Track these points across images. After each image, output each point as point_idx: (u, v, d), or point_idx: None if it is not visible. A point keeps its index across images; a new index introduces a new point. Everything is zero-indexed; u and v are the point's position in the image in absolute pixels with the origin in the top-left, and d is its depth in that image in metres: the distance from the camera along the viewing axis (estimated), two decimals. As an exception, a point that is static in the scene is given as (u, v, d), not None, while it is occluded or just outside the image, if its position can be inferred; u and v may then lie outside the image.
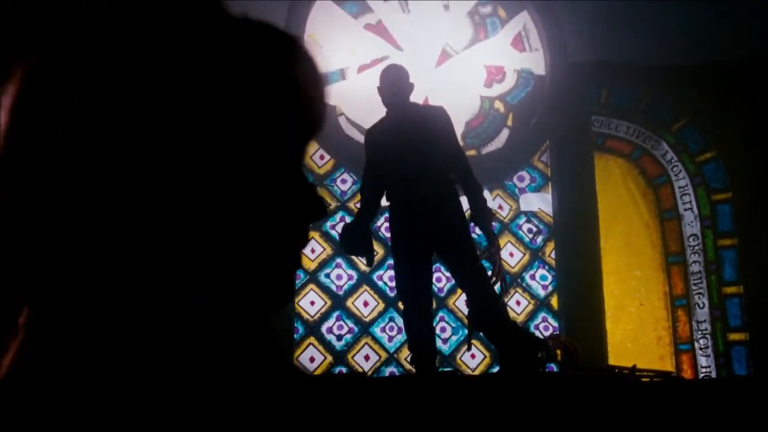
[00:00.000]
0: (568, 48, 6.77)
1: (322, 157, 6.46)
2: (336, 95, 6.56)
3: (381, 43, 6.78)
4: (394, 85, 3.86)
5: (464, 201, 4.45)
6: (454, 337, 5.97)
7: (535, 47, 6.92)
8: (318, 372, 5.78)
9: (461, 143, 6.32)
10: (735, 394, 3.49)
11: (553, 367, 4.99)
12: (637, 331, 6.36)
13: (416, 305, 3.78)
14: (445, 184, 3.82)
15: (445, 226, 3.74)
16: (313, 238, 6.18)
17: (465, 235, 3.80)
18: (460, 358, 6.04)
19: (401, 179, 3.76)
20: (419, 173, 3.70)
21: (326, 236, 6.28)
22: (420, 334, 3.79)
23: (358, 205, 4.20)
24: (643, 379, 3.74)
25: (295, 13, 6.62)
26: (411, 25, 6.87)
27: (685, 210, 6.60)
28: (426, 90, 6.63)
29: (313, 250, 6.18)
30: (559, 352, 4.18)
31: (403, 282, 3.81)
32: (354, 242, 3.85)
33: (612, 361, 6.09)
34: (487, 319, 3.73)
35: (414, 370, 4.00)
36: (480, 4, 7.00)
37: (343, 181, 6.38)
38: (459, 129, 6.51)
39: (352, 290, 6.15)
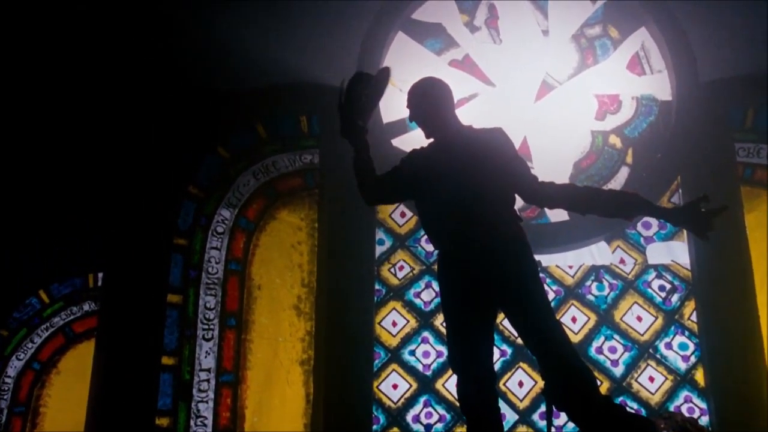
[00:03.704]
0: (698, 65, 6.50)
1: (402, 215, 6.41)
2: (418, 143, 6.32)
3: (469, 79, 6.82)
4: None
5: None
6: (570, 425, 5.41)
7: (658, 68, 6.72)
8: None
9: (569, 188, 6.11)
10: None
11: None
12: (816, 412, 5.73)
13: (477, 381, 3.38)
14: (509, 223, 3.48)
15: (512, 274, 3.37)
16: (394, 308, 6.14)
17: (537, 286, 3.42)
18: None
19: (454, 222, 3.45)
20: (476, 213, 3.41)
21: (409, 306, 6.16)
22: (482, 419, 3.38)
23: None
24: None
25: (368, 54, 6.71)
26: (504, 57, 6.84)
27: None
28: (524, 128, 6.61)
29: (394, 323, 6.10)
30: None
31: (458, 350, 3.42)
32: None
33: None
34: (570, 394, 3.25)
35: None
36: (587, 25, 6.90)
37: (429, 241, 5.94)
38: (567, 171, 6.47)
39: (443, 369, 5.91)
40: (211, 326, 6.02)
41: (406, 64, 6.69)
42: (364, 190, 3.62)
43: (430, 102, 3.55)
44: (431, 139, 3.63)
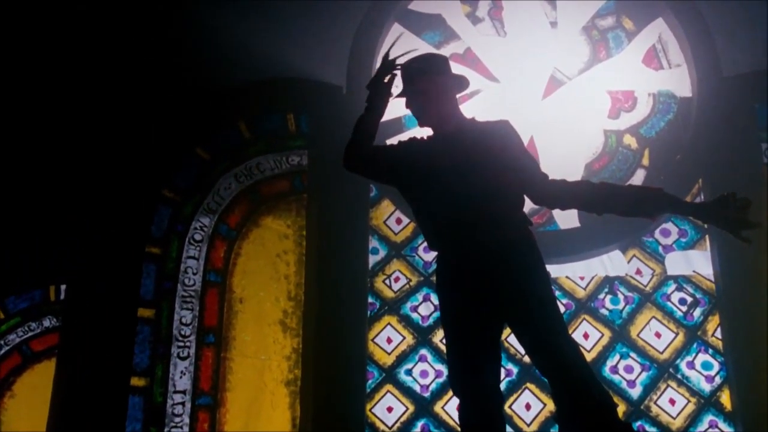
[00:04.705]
0: (721, 58, 6.41)
1: (398, 221, 6.29)
2: (415, 143, 6.34)
3: (471, 75, 6.66)
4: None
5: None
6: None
7: (676, 62, 6.63)
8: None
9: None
10: None
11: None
12: None
13: (481, 403, 3.19)
14: (517, 225, 3.29)
15: (521, 282, 3.18)
16: (389, 323, 6.00)
17: (548, 296, 3.23)
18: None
19: (455, 223, 3.27)
20: (481, 213, 3.23)
21: (406, 321, 6.00)
22: None
23: None
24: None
25: (361, 47, 6.64)
26: (508, 50, 6.76)
27: None
28: (531, 128, 6.48)
29: (389, 340, 5.95)
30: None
31: (459, 369, 3.23)
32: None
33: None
34: (585, 419, 3.06)
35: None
36: (598, 16, 6.83)
37: (427, 250, 6.06)
38: (578, 173, 6.35)
39: (442, 390, 5.75)
40: (187, 343, 5.86)
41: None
42: (353, 151, 3.39)
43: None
44: (428, 128, 3.46)
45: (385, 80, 3.40)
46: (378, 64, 6.64)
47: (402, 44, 3.48)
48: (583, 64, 6.65)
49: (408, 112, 6.39)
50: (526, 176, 3.30)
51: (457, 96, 3.48)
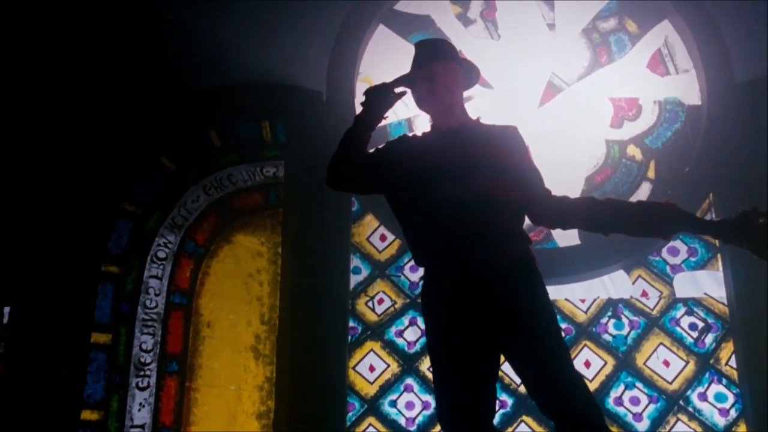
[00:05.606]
0: (733, 63, 6.33)
1: (383, 238, 6.17)
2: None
3: None
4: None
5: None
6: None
7: (684, 67, 6.56)
8: None
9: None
10: None
11: None
12: None
13: None
14: (518, 240, 3.12)
15: (522, 307, 3.01)
16: (371, 350, 5.88)
17: (550, 320, 3.05)
18: None
19: (448, 234, 3.08)
20: (478, 225, 3.05)
21: (390, 347, 5.87)
22: None
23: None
24: None
25: (343, 50, 6.55)
26: (502, 54, 6.69)
27: None
28: (527, 137, 6.05)
29: (372, 368, 5.81)
30: None
31: (448, 402, 3.05)
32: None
33: None
34: None
35: None
36: (599, 17, 6.77)
37: (413, 269, 5.94)
38: (578, 187, 6.28)
39: (429, 424, 5.63)
40: (148, 372, 5.69)
41: (386, 61, 6.56)
42: (339, 165, 3.20)
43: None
44: (427, 121, 3.35)
45: (393, 93, 3.21)
46: (361, 69, 6.63)
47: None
48: (583, 70, 6.60)
49: (394, 119, 6.33)
50: (529, 191, 3.14)
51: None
